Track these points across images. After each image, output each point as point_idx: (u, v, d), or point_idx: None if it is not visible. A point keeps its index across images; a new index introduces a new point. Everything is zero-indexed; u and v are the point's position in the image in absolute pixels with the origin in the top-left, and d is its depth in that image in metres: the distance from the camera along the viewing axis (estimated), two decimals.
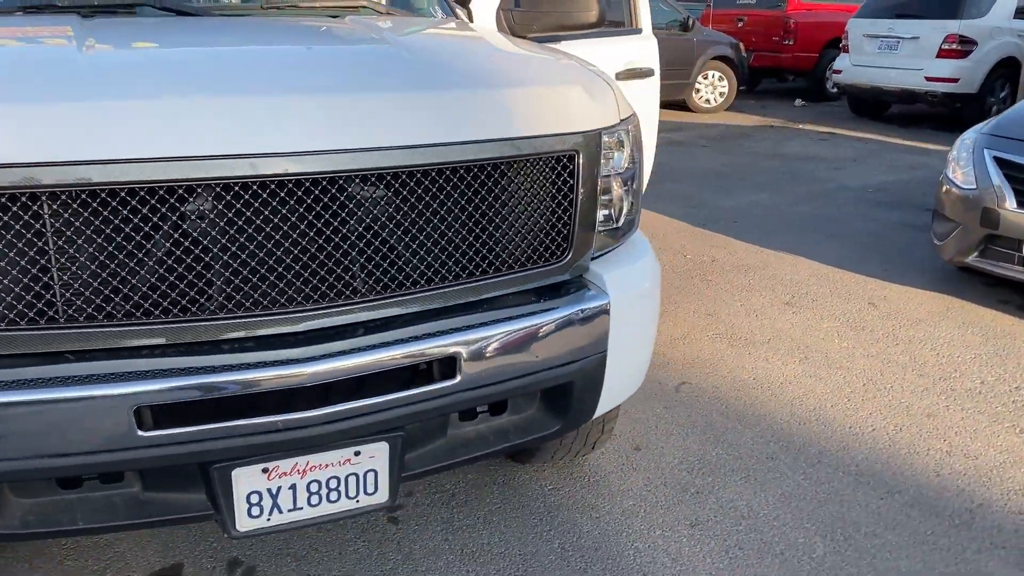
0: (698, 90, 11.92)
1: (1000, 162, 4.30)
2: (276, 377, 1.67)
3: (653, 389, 3.54)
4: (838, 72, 11.11)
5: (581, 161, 1.98)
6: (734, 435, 3.19)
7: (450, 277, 1.86)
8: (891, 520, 2.68)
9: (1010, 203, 4.17)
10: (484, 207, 1.87)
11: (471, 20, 3.30)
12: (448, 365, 1.83)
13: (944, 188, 4.57)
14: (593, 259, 2.15)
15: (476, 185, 1.85)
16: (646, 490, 2.83)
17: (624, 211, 2.22)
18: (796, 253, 5.43)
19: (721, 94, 12.02)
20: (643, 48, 4.05)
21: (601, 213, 2.13)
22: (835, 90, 12.36)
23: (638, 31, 4.08)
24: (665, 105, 12.18)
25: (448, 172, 1.81)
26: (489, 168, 1.85)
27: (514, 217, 1.92)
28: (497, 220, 1.90)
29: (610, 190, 2.15)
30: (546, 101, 1.95)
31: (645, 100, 4.10)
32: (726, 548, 2.54)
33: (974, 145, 4.52)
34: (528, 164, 1.91)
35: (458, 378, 1.83)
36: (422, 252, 1.83)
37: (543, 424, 2.08)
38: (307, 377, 1.68)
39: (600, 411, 2.17)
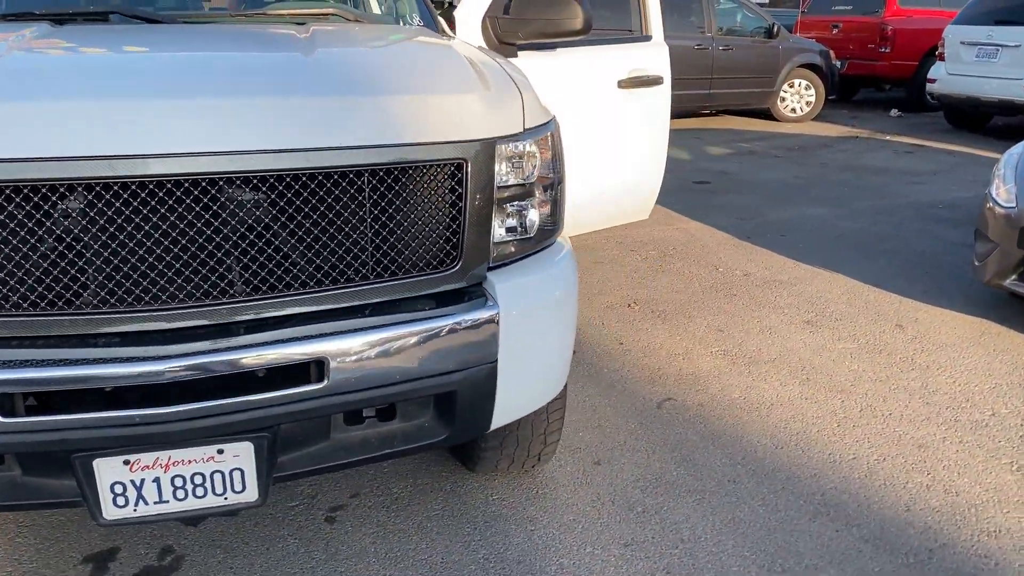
0: (783, 99, 11.56)
1: None
2: (136, 373, 1.72)
3: (634, 404, 3.47)
4: (932, 81, 10.58)
5: (470, 170, 1.96)
6: (703, 455, 3.09)
7: (327, 281, 1.88)
8: (839, 554, 2.54)
9: None
10: (361, 213, 1.88)
11: (453, 28, 3.31)
12: (316, 369, 1.84)
13: (987, 205, 4.30)
14: (497, 268, 2.12)
15: (352, 191, 1.86)
16: (591, 506, 2.78)
17: (536, 221, 2.19)
18: (836, 270, 5.20)
19: (808, 103, 11.63)
20: (652, 56, 3.97)
21: (506, 222, 2.11)
22: (935, 100, 11.77)
23: (647, 38, 4.01)
24: (749, 114, 11.90)
25: (321, 177, 1.83)
26: (366, 174, 1.86)
27: (395, 224, 1.92)
28: (377, 226, 1.90)
29: (516, 199, 2.12)
30: (431, 110, 1.94)
31: (653, 108, 4.02)
32: (653, 571, 2.46)
33: (1020, 160, 4.23)
34: (408, 171, 1.91)
35: (326, 382, 1.84)
36: (297, 256, 1.85)
37: (430, 432, 2.07)
38: (165, 374, 1.72)
39: (499, 422, 2.14)
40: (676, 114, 11.44)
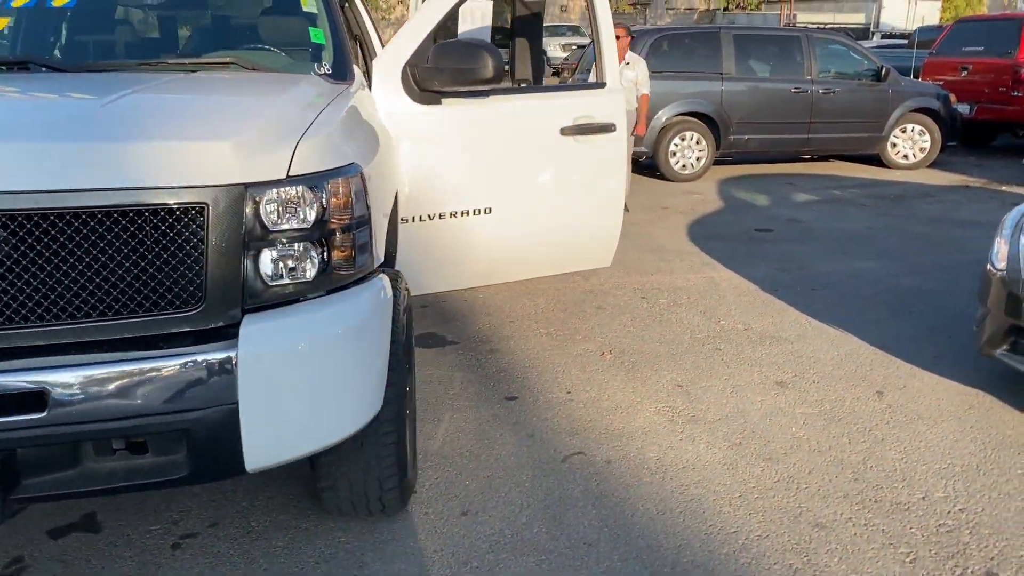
0: (894, 144, 10.91)
1: None
2: None
3: (541, 456, 3.39)
4: None
5: (212, 214, 2.03)
6: (575, 515, 2.97)
7: (56, 316, 1.98)
8: None
9: None
10: (95, 252, 1.97)
11: (368, 76, 3.40)
12: (37, 399, 1.94)
13: (986, 266, 3.92)
14: (265, 309, 2.16)
15: (86, 231, 1.96)
16: (429, 558, 2.74)
17: (316, 266, 2.22)
18: (848, 329, 4.86)
19: (922, 150, 10.92)
20: (602, 103, 3.90)
21: (281, 265, 2.16)
22: None
23: (601, 85, 3.93)
24: (857, 160, 11.32)
25: (54, 217, 1.94)
26: (100, 215, 1.96)
27: (131, 264, 2.00)
28: (111, 265, 1.99)
29: (291, 242, 2.16)
30: (174, 155, 2.02)
31: (604, 155, 3.94)
32: None
33: (1019, 219, 3.84)
34: (145, 214, 1.99)
35: (45, 412, 1.94)
36: (31, 291, 1.97)
37: (174, 469, 2.12)
38: None
39: (255, 464, 2.17)
40: (772, 158, 11.05)
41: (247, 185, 2.07)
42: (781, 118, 10.23)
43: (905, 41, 18.54)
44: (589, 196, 3.98)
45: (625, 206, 8.63)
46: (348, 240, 2.29)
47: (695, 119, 10.00)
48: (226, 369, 2.04)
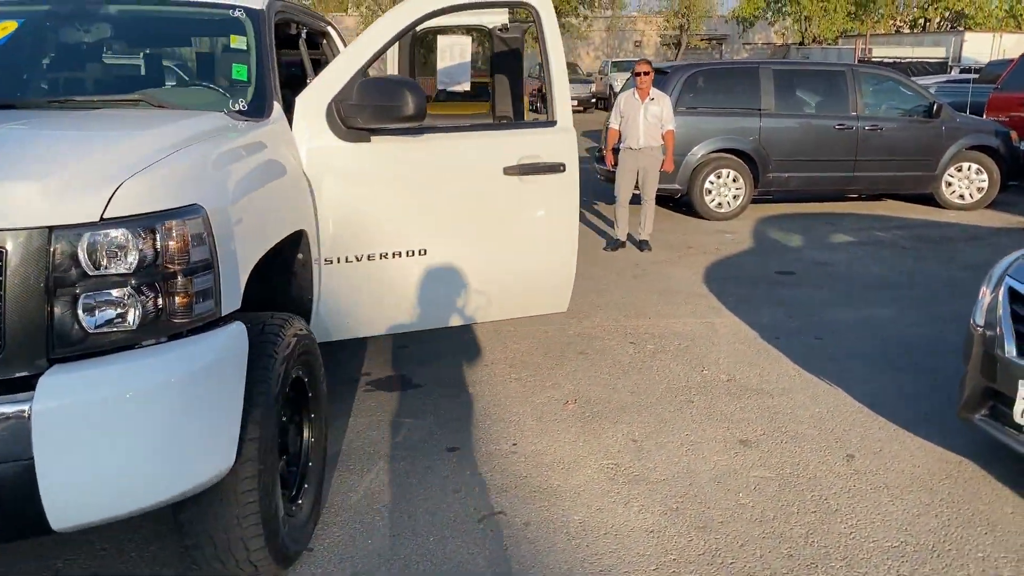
0: (949, 184, 10.37)
1: (1014, 295, 3.28)
2: None
3: (458, 514, 3.20)
4: None
5: (11, 258, 1.94)
6: None
7: None
8: None
9: (1008, 347, 3.16)
10: None
11: (288, 113, 3.30)
12: None
13: (970, 321, 3.58)
14: (80, 359, 2.05)
15: None
16: None
17: (144, 312, 2.10)
18: (839, 383, 4.53)
19: (980, 189, 10.34)
20: (550, 142, 3.72)
21: (99, 312, 2.05)
22: None
23: (551, 124, 3.76)
24: (913, 199, 10.80)
25: None
26: None
27: None
28: None
29: (111, 288, 2.06)
30: None
31: (553, 196, 3.75)
32: None
33: (1002, 271, 3.50)
34: None
35: None
36: None
37: None
38: None
39: (62, 524, 2.04)
40: (818, 197, 10.62)
41: (52, 228, 1.97)
42: (824, 156, 9.84)
43: (977, 75, 17.77)
44: (537, 238, 3.80)
45: (647, 244, 8.43)
46: (185, 285, 2.17)
47: (732, 156, 9.69)
48: (19, 422, 1.93)
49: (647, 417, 4.10)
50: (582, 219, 9.76)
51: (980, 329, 3.38)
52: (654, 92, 7.95)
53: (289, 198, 2.99)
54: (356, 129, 3.33)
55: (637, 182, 8.06)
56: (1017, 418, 3.09)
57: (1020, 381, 3.08)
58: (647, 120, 7.85)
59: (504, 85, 4.93)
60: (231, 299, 2.37)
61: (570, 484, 3.43)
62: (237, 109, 3.18)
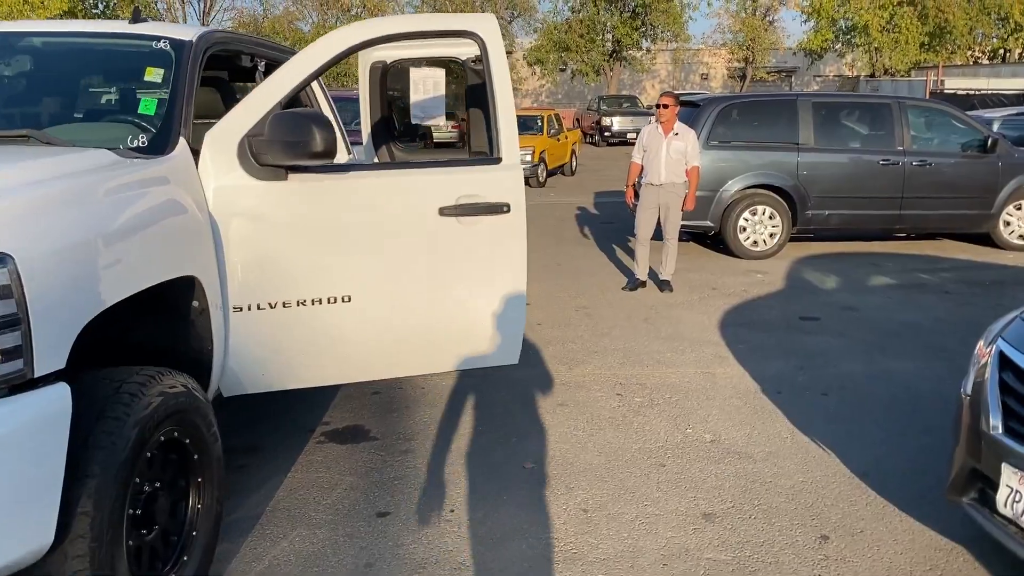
0: (1007, 223, 9.68)
1: (1004, 361, 2.83)
2: None
3: None
4: None
5: None
6: None
7: None
8: None
9: (993, 421, 2.71)
10: None
11: (192, 148, 3.08)
12: None
13: (960, 389, 3.13)
14: None
15: None
16: None
17: None
18: (835, 447, 4.09)
19: None
20: (492, 180, 3.42)
21: None
22: None
23: (495, 161, 3.46)
24: (968, 239, 10.13)
25: None
26: None
27: None
28: None
29: None
30: None
31: (497, 239, 3.44)
32: None
33: (997, 332, 3.04)
34: None
35: None
36: None
37: None
38: None
39: None
40: (863, 236, 10.04)
41: None
42: (867, 192, 9.29)
43: None
44: (479, 285, 3.49)
45: (669, 285, 7.99)
46: None
47: (768, 192, 9.22)
48: None
49: (608, 483, 3.72)
50: (609, 255, 9.40)
51: (967, 398, 2.94)
52: (679, 127, 7.59)
53: (175, 241, 2.75)
54: (270, 166, 3.09)
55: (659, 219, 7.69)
56: (1001, 507, 2.63)
57: (1004, 463, 2.63)
58: (670, 155, 7.47)
59: (479, 120, 4.65)
60: (51, 358, 2.12)
61: (495, 562, 3.08)
62: (136, 145, 2.97)
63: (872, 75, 35.70)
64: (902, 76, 34.15)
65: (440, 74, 4.71)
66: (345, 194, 3.24)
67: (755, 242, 9.25)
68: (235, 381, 3.23)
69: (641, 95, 38.62)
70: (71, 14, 29.30)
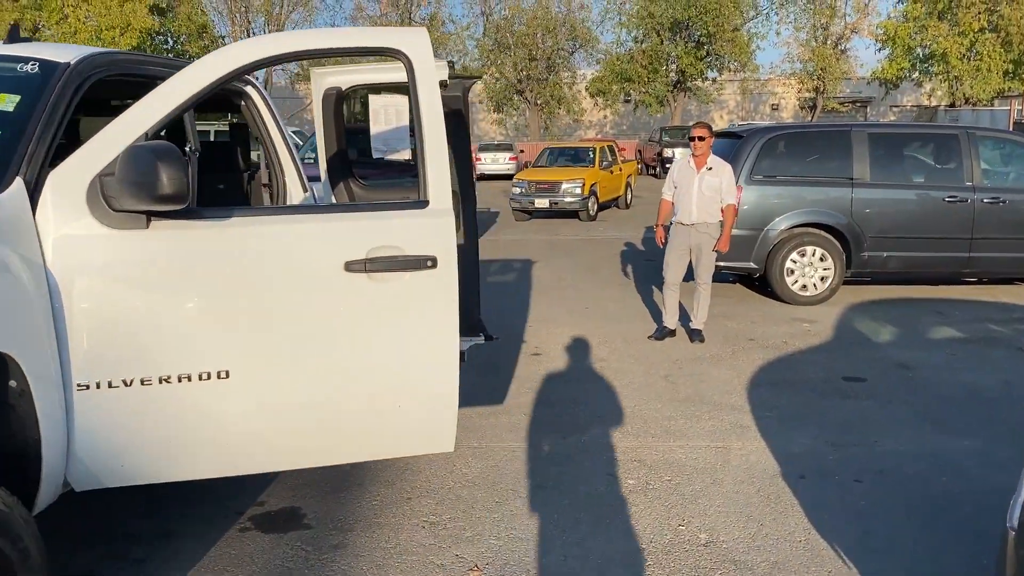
0: None
1: None
2: None
3: None
4: None
5: None
6: None
7: None
8: None
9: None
10: None
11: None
12: None
13: (1007, 522, 2.34)
14: None
15: None
16: None
17: None
18: (853, 558, 3.29)
19: None
20: (419, 228, 2.78)
21: None
22: None
23: (421, 204, 2.82)
24: None
25: None
26: None
27: None
28: None
29: None
30: None
31: (418, 300, 2.80)
32: None
33: None
34: None
35: None
36: None
37: None
38: None
39: None
40: (921, 279, 9.07)
41: None
42: (931, 232, 8.36)
43: None
44: (397, 356, 2.85)
45: (700, 335, 7.18)
46: None
47: (819, 231, 8.38)
48: None
49: None
50: (645, 298, 8.66)
51: (1014, 533, 2.16)
52: (713, 160, 6.85)
53: None
54: (126, 212, 2.51)
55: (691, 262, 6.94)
56: None
57: None
58: (702, 192, 6.73)
59: (448, 152, 4.02)
60: None
61: None
62: None
63: (952, 105, 34.08)
64: (984, 106, 32.48)
65: (402, 102, 4.12)
66: (223, 246, 2.64)
67: (804, 286, 8.40)
68: (86, 473, 2.64)
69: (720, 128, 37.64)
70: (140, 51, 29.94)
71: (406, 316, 2.80)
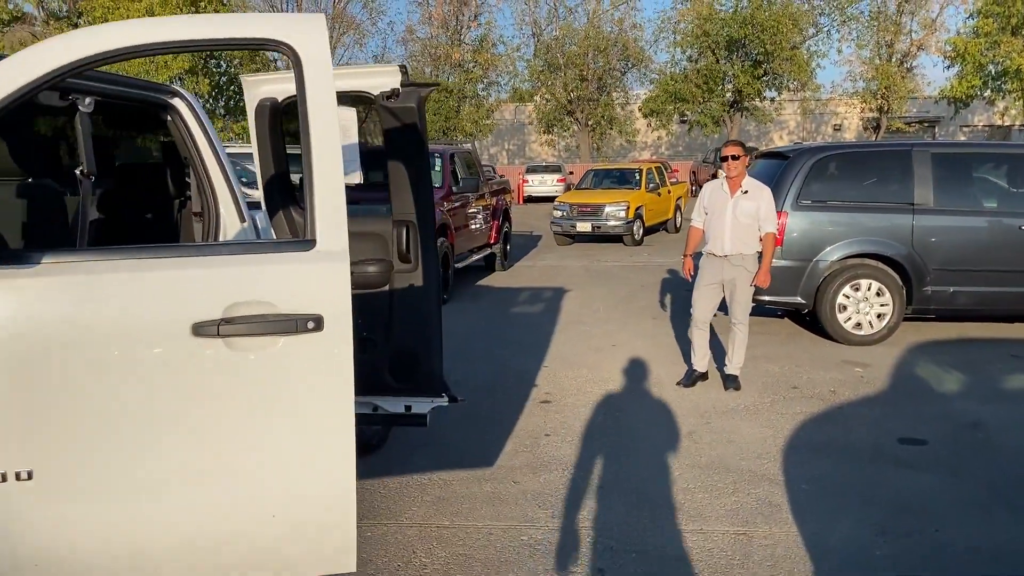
0: None
1: None
2: None
3: None
4: None
5: None
6: None
7: None
8: None
9: None
10: None
11: None
12: None
13: None
14: None
15: None
16: None
17: None
18: None
19: None
20: (299, 277, 2.07)
21: None
22: None
23: (304, 245, 2.11)
24: None
25: None
26: None
27: None
28: None
29: None
30: None
31: (295, 376, 2.08)
32: None
33: None
34: None
35: None
36: None
37: None
38: None
39: None
40: (994, 317, 8.05)
41: None
42: (1005, 265, 7.38)
43: None
44: (268, 451, 2.13)
45: (735, 381, 6.29)
46: None
47: (875, 262, 7.47)
48: None
49: None
50: (679, 334, 7.81)
51: None
52: (749, 183, 6.03)
53: None
54: None
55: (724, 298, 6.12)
56: None
57: None
58: (737, 219, 5.91)
59: (402, 177, 3.33)
60: None
61: None
62: None
63: None
64: None
65: (350, 116, 3.44)
66: (19, 301, 1.96)
67: (858, 324, 7.48)
68: None
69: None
70: (192, 73, 30.00)
71: (279, 397, 2.09)
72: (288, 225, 3.58)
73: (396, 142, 3.27)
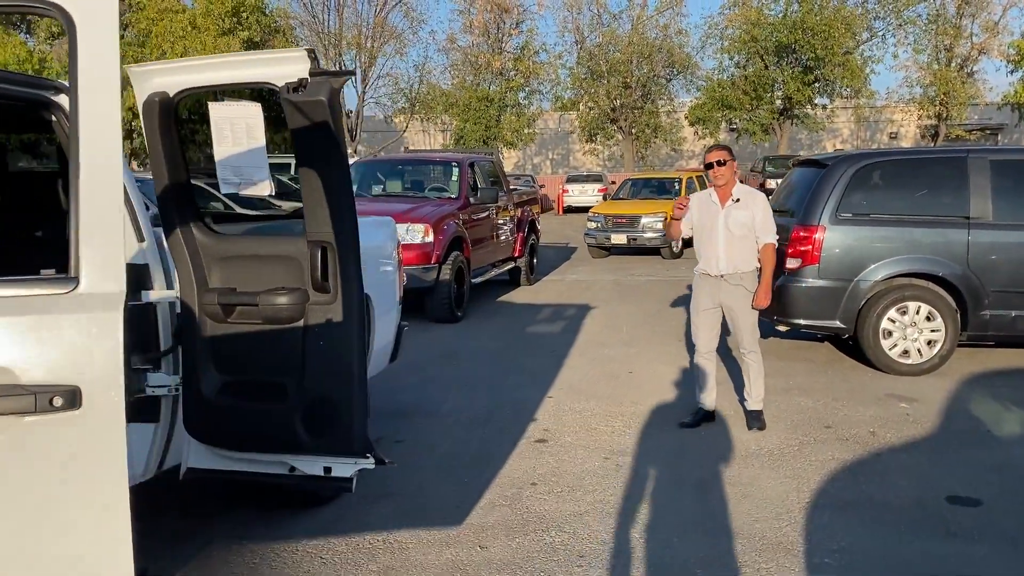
0: None
1: None
2: None
3: None
4: None
5: None
6: None
7: None
8: None
9: None
10: None
11: None
12: None
13: None
14: None
15: None
16: None
17: None
18: None
19: None
20: (49, 330, 1.45)
21: None
22: None
23: (64, 283, 1.49)
24: None
25: None
26: None
27: None
28: None
29: None
30: None
31: (41, 465, 1.46)
32: None
33: None
34: None
35: None
36: None
37: None
38: None
39: None
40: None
41: None
42: None
43: None
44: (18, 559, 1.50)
45: (758, 418, 5.45)
46: None
47: (925, 283, 6.66)
48: None
49: None
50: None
51: None
52: (741, 190, 5.29)
53: None
54: None
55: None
56: None
57: None
58: (730, 232, 5.15)
59: (315, 188, 2.71)
60: None
61: None
62: None
63: None
64: None
65: (254, 112, 2.82)
66: None
67: (905, 351, 6.67)
68: None
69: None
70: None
71: (29, 491, 1.46)
72: (187, 247, 2.97)
73: (306, 144, 2.65)
